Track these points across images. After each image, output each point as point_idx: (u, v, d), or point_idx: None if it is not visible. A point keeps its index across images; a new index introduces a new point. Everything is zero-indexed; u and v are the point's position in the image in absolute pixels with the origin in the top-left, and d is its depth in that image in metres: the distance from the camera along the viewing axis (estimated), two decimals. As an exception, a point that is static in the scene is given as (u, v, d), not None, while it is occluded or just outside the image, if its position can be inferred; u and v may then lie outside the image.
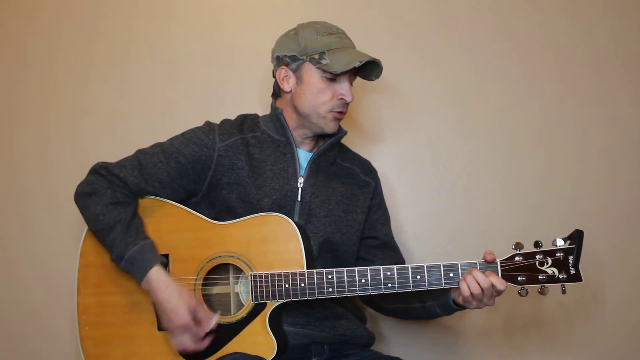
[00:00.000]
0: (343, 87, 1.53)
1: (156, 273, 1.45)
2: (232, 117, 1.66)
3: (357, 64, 1.48)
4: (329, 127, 1.56)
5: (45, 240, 2.01)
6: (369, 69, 1.56)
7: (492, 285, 1.37)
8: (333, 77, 1.52)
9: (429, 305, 1.54)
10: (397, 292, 1.45)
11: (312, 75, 1.53)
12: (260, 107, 1.90)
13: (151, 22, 2.05)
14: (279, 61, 1.58)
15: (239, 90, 2.01)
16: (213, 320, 1.46)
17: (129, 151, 1.60)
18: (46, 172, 2.03)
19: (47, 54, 2.07)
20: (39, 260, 2.00)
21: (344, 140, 1.69)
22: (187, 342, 1.44)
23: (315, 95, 1.53)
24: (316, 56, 1.51)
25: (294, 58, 1.54)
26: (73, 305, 1.58)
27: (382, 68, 1.54)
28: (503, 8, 1.98)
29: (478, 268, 1.40)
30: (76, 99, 2.05)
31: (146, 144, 1.61)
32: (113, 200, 1.51)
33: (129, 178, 1.53)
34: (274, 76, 1.62)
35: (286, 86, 1.57)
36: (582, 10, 1.97)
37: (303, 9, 1.98)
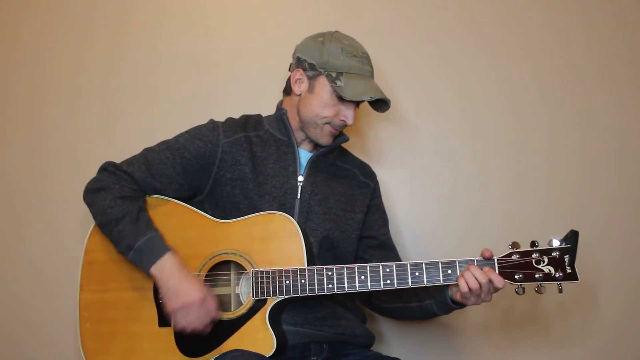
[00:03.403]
0: (348, 111, 1.57)
1: (171, 258, 1.46)
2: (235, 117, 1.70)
3: (366, 99, 1.54)
4: (323, 140, 1.61)
5: (50, 237, 2.03)
6: (379, 101, 1.60)
7: (490, 282, 1.39)
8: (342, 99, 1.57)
9: (427, 304, 1.55)
10: (394, 291, 1.47)
11: (323, 89, 1.57)
12: (263, 109, 1.90)
13: (153, 24, 2.10)
14: (299, 63, 1.60)
15: (241, 93, 2.04)
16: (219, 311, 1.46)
17: (130, 152, 1.63)
18: (54, 170, 2.06)
19: (43, 53, 2.10)
20: (41, 256, 2.02)
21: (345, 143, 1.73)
22: (195, 322, 1.42)
23: (321, 108, 1.57)
24: (333, 74, 1.55)
25: (312, 66, 1.57)
26: (75, 302, 1.59)
27: (389, 106, 1.60)
28: (490, 12, 2.04)
29: (475, 265, 1.42)
30: (74, 100, 2.08)
31: (148, 144, 1.64)
32: (121, 195, 1.53)
33: (136, 173, 1.57)
34: (290, 70, 1.66)
35: (297, 89, 1.61)
36: (591, 12, 2.01)
37: (303, 9, 2.01)
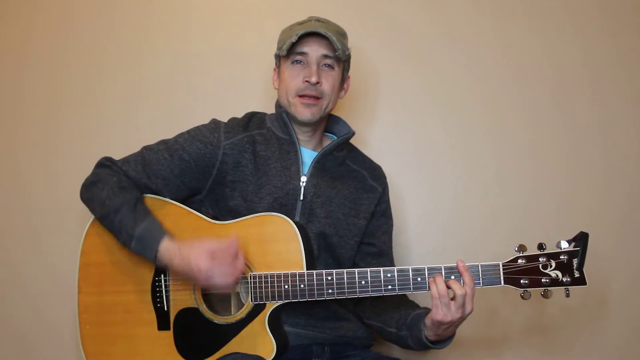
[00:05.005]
0: (307, 69, 1.53)
1: (166, 245, 1.42)
2: (240, 116, 1.66)
3: (293, 39, 1.50)
4: (301, 115, 1.55)
5: (47, 239, 2.01)
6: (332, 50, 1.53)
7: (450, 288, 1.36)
8: (299, 61, 1.54)
9: (403, 335, 1.49)
10: (378, 309, 1.49)
11: (284, 66, 1.57)
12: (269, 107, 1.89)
13: (159, 21, 2.05)
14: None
15: (247, 90, 2.01)
16: (233, 238, 1.41)
17: (135, 150, 1.60)
18: (50, 172, 2.04)
19: (55, 52, 2.07)
20: (40, 259, 2.01)
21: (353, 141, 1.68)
22: (230, 270, 1.38)
23: (288, 83, 1.56)
24: (281, 46, 1.56)
25: (276, 57, 1.61)
26: (74, 304, 1.58)
27: (332, 41, 1.51)
28: (494, 6, 1.98)
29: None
30: (82, 98, 2.05)
31: (153, 142, 1.61)
32: (119, 185, 1.51)
33: (131, 173, 1.54)
34: None
35: (275, 85, 1.62)
36: (612, 12, 1.95)
37: (304, 9, 1.95)
